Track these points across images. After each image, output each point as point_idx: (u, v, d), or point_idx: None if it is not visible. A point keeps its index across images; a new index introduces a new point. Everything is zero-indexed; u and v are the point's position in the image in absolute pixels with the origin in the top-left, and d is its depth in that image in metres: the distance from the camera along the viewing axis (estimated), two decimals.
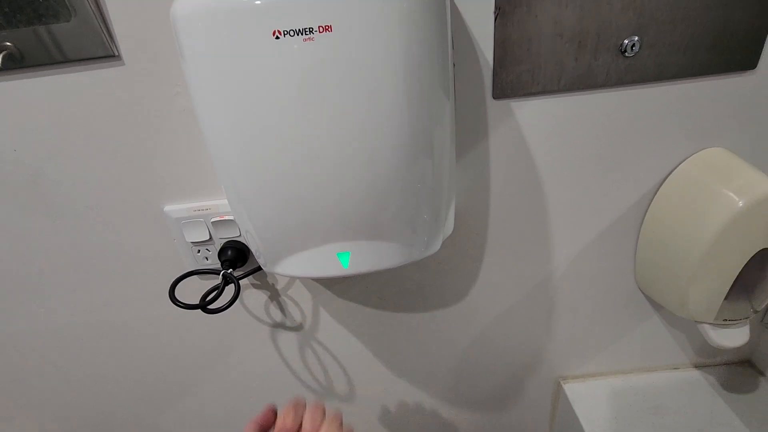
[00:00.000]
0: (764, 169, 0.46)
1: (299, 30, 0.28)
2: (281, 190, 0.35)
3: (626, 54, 0.43)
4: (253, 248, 0.44)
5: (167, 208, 0.51)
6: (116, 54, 0.42)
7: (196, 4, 0.30)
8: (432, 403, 0.72)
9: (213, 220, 0.51)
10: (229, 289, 0.49)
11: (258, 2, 0.28)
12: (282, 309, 0.60)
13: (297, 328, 0.62)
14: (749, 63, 0.45)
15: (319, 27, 0.28)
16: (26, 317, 0.59)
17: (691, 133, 0.49)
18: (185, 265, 0.55)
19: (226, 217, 0.50)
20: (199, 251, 0.53)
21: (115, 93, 0.44)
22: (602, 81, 0.45)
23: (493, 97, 0.45)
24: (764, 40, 0.44)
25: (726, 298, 0.49)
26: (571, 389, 0.68)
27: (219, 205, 0.50)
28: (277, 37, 0.28)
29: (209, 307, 0.46)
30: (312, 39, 0.28)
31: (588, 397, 0.67)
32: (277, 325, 0.62)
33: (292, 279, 0.57)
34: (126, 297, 0.58)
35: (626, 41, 0.43)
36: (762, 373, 0.66)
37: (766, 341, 0.65)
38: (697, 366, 0.69)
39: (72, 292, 0.57)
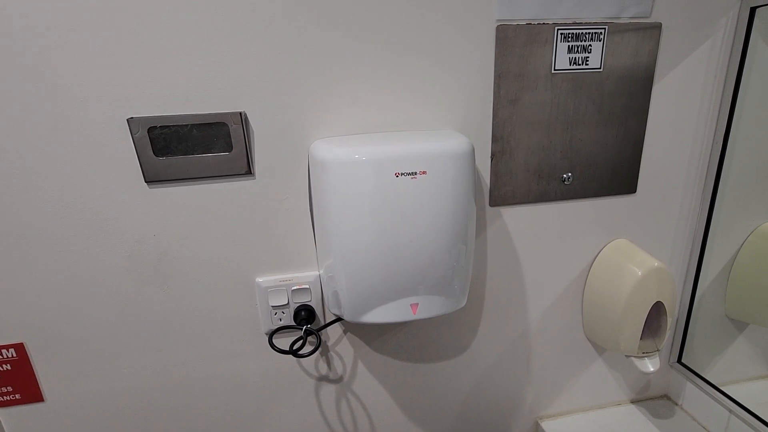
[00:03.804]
0: (648, 251, 0.75)
1: (410, 172, 0.52)
2: (378, 264, 0.56)
3: (565, 182, 0.72)
4: (336, 306, 0.62)
5: (259, 279, 0.68)
6: (252, 173, 0.62)
7: (343, 155, 0.53)
8: None
9: (293, 288, 0.68)
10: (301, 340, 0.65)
11: (389, 156, 0.51)
12: (328, 363, 0.75)
13: (337, 380, 0.77)
14: (632, 189, 0.76)
15: (420, 171, 0.52)
16: (113, 374, 0.68)
17: (606, 231, 0.77)
18: (262, 326, 0.70)
19: (303, 286, 0.68)
20: (276, 313, 0.69)
21: (244, 196, 0.63)
22: (553, 197, 0.73)
23: (490, 205, 0.71)
24: (637, 177, 0.75)
25: (641, 338, 0.74)
26: (547, 426, 0.87)
27: (297, 277, 0.68)
28: (397, 176, 0.52)
29: (300, 352, 0.62)
30: (416, 177, 0.52)
31: (561, 431, 0.85)
32: (322, 378, 0.76)
33: (341, 336, 0.74)
34: (203, 355, 0.70)
35: (564, 175, 0.72)
36: (676, 403, 0.90)
37: (675, 379, 0.90)
38: (632, 401, 0.91)
39: (158, 351, 0.69)
